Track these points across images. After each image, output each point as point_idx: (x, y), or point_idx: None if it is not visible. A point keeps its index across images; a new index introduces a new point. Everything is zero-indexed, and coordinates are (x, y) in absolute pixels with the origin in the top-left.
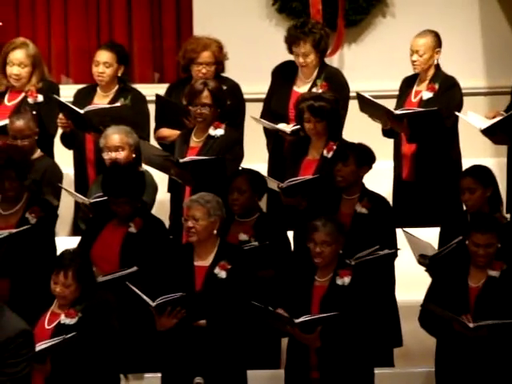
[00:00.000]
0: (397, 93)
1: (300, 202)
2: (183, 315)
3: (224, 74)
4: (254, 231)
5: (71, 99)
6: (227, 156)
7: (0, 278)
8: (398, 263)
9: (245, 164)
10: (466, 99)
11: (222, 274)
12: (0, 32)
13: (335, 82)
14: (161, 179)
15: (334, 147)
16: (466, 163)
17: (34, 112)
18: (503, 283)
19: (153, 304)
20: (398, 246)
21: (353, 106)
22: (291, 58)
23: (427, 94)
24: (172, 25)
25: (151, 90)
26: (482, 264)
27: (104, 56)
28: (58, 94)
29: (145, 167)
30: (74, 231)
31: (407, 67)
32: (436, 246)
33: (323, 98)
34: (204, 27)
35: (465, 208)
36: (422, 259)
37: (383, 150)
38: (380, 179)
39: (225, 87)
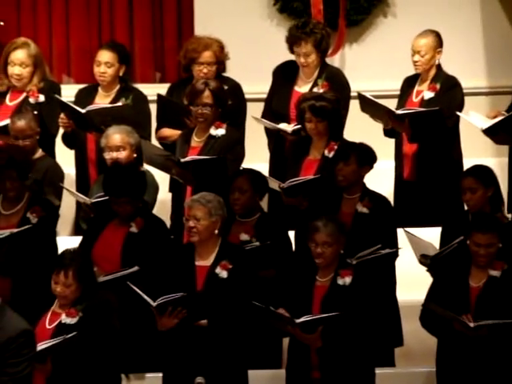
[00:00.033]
0: (398, 93)
1: (301, 201)
2: (184, 315)
3: (225, 74)
4: (255, 231)
5: (72, 99)
6: (228, 156)
7: (1, 278)
8: (399, 263)
9: (246, 164)
10: (467, 99)
11: (223, 274)
12: (1, 32)
13: (336, 81)
14: (162, 179)
15: (335, 147)
16: (468, 163)
17: (36, 112)
18: (504, 283)
19: (154, 304)
20: (399, 246)
21: (354, 105)
22: (292, 57)
23: (428, 94)
24: (173, 24)
25: (152, 90)
26: (482, 264)
27: (105, 56)
28: (60, 94)
29: (146, 167)
30: (76, 231)
31: (408, 67)
32: (437, 245)
33: (324, 98)
34: (205, 27)
35: (466, 208)
36: (424, 259)
37: (384, 149)
38: (381, 179)
39: (226, 87)
